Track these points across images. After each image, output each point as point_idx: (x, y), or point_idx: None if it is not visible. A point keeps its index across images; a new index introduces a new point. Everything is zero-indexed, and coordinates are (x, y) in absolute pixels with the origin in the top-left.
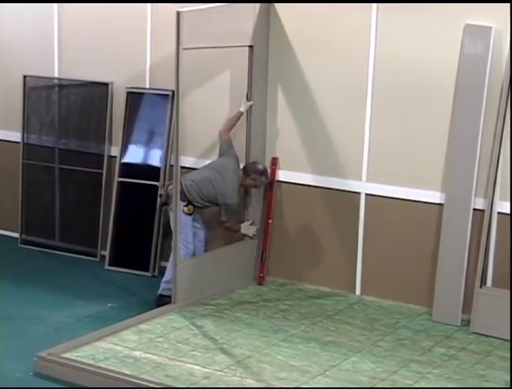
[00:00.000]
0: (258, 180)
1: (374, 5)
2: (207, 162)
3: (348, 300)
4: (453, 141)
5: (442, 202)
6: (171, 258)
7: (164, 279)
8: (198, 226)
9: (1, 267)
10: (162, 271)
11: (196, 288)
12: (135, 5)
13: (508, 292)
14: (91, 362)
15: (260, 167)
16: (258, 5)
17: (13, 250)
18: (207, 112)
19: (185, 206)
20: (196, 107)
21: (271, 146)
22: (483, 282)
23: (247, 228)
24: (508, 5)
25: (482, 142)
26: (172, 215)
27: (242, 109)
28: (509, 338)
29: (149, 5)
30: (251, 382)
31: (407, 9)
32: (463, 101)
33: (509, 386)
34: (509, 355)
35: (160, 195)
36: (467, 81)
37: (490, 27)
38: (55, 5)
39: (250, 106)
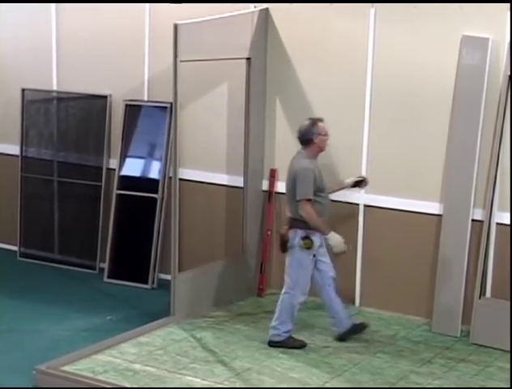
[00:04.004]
0: (319, 127)
1: (372, 15)
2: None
3: (348, 311)
4: (451, 152)
5: (441, 213)
6: (279, 301)
7: (272, 324)
8: (326, 262)
9: (0, 281)
10: (161, 283)
11: (195, 300)
12: (133, 17)
13: (507, 302)
14: (91, 375)
15: (305, 123)
16: (255, 17)
17: (12, 263)
18: (206, 124)
19: (303, 238)
20: (194, 119)
21: (270, 157)
22: (482, 293)
23: (336, 240)
24: (505, 16)
25: (480, 152)
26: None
27: (349, 181)
28: (509, 349)
29: (147, 17)
30: None
31: (405, 18)
32: (461, 112)
33: (509, 387)
34: (509, 366)
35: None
36: (465, 92)
37: (487, 39)
38: (53, 17)
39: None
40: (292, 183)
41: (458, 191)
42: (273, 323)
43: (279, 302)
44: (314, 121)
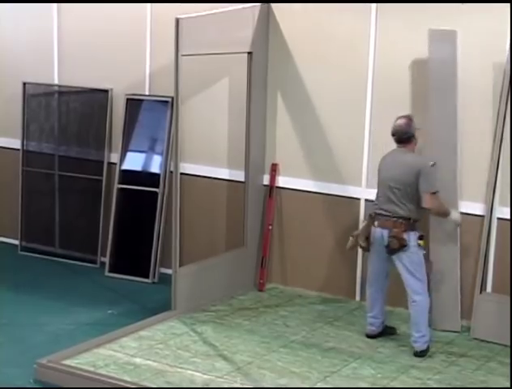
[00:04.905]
0: (415, 123)
1: (374, 12)
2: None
3: (348, 306)
4: (431, 147)
5: None
6: (413, 314)
7: (419, 335)
8: (402, 271)
9: (1, 274)
10: (162, 277)
11: (196, 294)
12: (135, 11)
13: (508, 297)
14: (92, 369)
15: (401, 121)
16: (257, 11)
17: (13, 257)
18: (207, 118)
19: (420, 238)
20: (195, 113)
21: (271, 152)
22: (483, 288)
23: (458, 214)
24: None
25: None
26: (407, 259)
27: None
28: (509, 344)
29: (148, 11)
30: None
31: (407, 17)
32: (436, 107)
33: (509, 387)
34: (509, 361)
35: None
36: (438, 87)
37: (455, 31)
38: (55, 11)
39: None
40: (414, 181)
41: (443, 185)
42: (416, 336)
43: (413, 315)
44: (410, 118)
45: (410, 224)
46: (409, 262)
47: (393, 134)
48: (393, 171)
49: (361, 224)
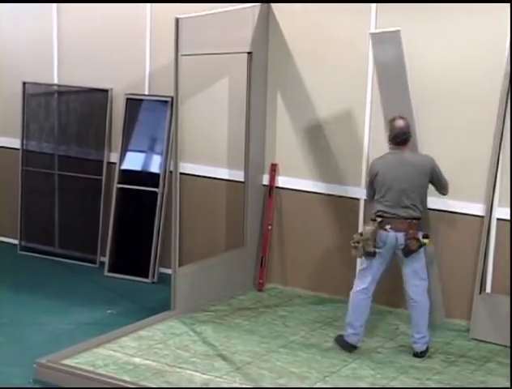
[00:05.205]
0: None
1: (373, 12)
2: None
3: (348, 306)
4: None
5: (441, 208)
6: (421, 313)
7: (419, 336)
8: (411, 273)
9: (0, 274)
10: (161, 277)
11: (196, 294)
12: (134, 11)
13: (508, 298)
14: (91, 369)
15: (399, 124)
16: (256, 11)
17: (12, 257)
18: (207, 118)
19: (425, 237)
20: (195, 113)
21: (271, 152)
22: (482, 288)
23: None
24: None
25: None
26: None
27: None
28: (509, 344)
29: (148, 11)
30: None
31: (407, 17)
32: (391, 108)
33: (509, 387)
34: (508, 361)
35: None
36: (389, 89)
37: (398, 31)
38: (54, 11)
39: None
40: (427, 181)
41: None
42: (416, 337)
43: (414, 316)
44: (406, 119)
45: (419, 223)
46: (416, 263)
47: (396, 137)
48: (404, 175)
49: (364, 228)
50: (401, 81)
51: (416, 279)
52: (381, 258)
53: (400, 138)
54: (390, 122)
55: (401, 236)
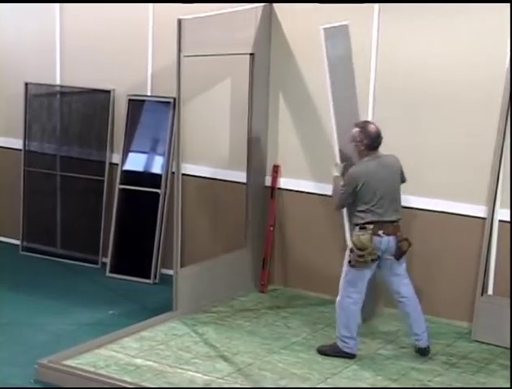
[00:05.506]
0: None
1: (376, 12)
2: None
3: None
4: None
5: (445, 210)
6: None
7: (421, 331)
8: (401, 273)
9: (2, 274)
10: (163, 278)
11: (197, 295)
12: (137, 12)
13: (509, 300)
14: (92, 370)
15: (374, 127)
16: (259, 13)
17: (14, 257)
18: (209, 119)
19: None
20: (197, 114)
21: (273, 153)
22: (484, 290)
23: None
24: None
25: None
26: None
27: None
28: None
29: (150, 12)
30: None
31: (408, 17)
32: (338, 102)
33: (509, 387)
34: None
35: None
36: (338, 83)
37: (346, 26)
38: (57, 12)
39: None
40: (400, 179)
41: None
42: (419, 333)
43: (411, 314)
44: (373, 122)
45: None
46: (404, 263)
47: (374, 141)
48: (388, 179)
49: (359, 239)
50: (349, 75)
51: (404, 278)
52: (373, 265)
53: (377, 141)
54: (363, 129)
55: (392, 239)
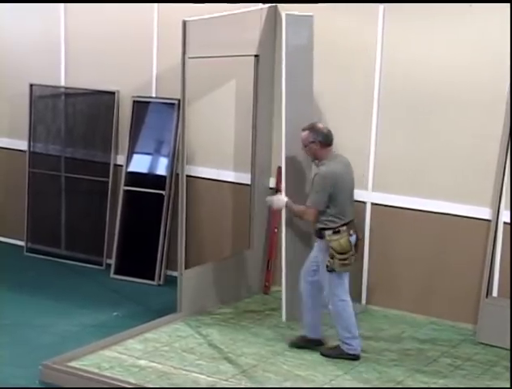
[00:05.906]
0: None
1: (380, 15)
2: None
3: (354, 309)
4: (287, 138)
5: (447, 211)
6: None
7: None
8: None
9: (6, 275)
10: (167, 280)
11: (202, 296)
12: (142, 13)
13: None
14: (97, 371)
15: (324, 127)
16: (264, 15)
17: (18, 258)
18: (213, 121)
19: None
20: (202, 116)
21: (277, 155)
22: (489, 292)
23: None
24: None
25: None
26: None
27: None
28: None
29: (155, 13)
30: None
31: (414, 18)
32: (293, 91)
33: (509, 387)
34: None
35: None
36: (295, 72)
37: (311, 17)
38: (61, 13)
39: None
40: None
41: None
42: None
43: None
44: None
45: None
46: None
47: (327, 136)
48: (350, 180)
49: (339, 243)
50: (308, 65)
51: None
52: None
53: (330, 137)
54: (312, 129)
55: (355, 237)
